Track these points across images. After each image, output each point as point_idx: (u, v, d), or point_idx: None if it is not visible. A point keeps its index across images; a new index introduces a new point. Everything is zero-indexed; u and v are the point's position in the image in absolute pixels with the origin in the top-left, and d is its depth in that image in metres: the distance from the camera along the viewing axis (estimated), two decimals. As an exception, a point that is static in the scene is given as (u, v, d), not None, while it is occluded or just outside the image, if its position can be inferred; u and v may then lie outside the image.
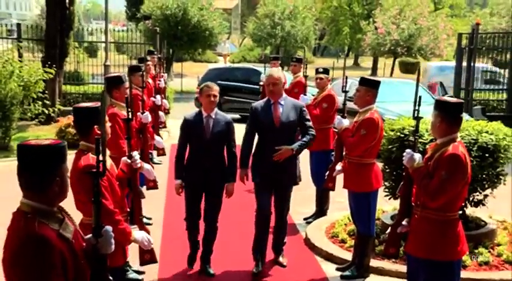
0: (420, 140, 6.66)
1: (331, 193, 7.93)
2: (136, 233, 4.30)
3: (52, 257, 2.50)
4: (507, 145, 6.75)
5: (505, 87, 17.59)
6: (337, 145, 6.53)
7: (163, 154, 8.27)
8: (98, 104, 4.33)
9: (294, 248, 7.29)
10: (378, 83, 6.30)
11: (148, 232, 4.43)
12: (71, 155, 11.49)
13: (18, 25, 18.06)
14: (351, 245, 6.94)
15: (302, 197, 8.88)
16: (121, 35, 24.09)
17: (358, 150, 6.10)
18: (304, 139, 6.25)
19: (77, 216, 3.54)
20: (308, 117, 6.37)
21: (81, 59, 20.54)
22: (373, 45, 28.08)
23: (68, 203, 2.98)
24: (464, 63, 16.34)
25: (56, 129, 13.24)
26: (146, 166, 5.01)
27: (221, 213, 6.33)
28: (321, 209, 8.37)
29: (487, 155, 6.58)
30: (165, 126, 10.37)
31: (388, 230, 4.74)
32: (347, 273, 6.43)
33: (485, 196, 7.06)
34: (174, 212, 8.12)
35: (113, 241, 2.81)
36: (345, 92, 6.57)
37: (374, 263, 6.51)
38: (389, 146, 6.90)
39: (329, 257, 6.94)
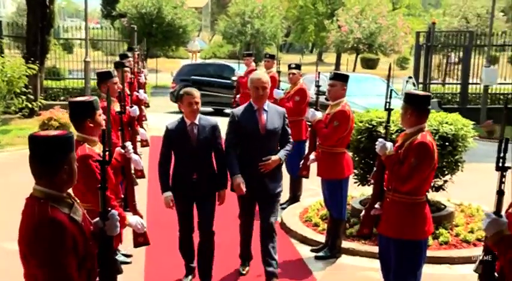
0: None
1: (304, 180, 8.06)
2: (131, 217, 4.39)
3: (65, 238, 2.56)
4: (464, 134, 6.92)
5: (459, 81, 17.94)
6: (311, 135, 6.65)
7: (147, 145, 8.28)
8: (91, 98, 4.37)
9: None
10: (348, 77, 6.46)
11: (141, 217, 4.51)
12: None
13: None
14: (324, 228, 7.08)
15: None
16: (96, 32, 23.84)
17: (331, 140, 6.22)
18: (287, 148, 5.67)
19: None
20: (288, 124, 5.79)
21: (60, 55, 20.33)
22: (337, 42, 28.35)
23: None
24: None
25: (38, 122, 13.17)
26: (135, 156, 5.06)
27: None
28: (295, 195, 8.49)
29: (447, 144, 6.73)
30: (146, 119, 10.38)
31: (362, 213, 4.86)
32: (321, 254, 6.56)
33: (445, 181, 7.24)
34: (156, 200, 8.15)
35: (118, 224, 2.88)
36: (318, 86, 6.69)
37: (345, 244, 6.65)
38: (358, 137, 7.01)
39: (303, 240, 7.05)
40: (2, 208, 7.79)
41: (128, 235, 4.83)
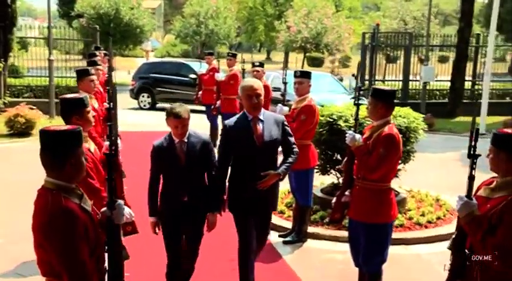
0: (347, 123, 7.01)
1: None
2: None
3: (77, 226, 2.57)
4: (416, 126, 7.15)
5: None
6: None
7: (120, 139, 8.18)
8: (80, 95, 4.34)
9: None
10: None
11: (129, 207, 4.48)
12: (19, 143, 11.16)
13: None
14: (289, 215, 7.19)
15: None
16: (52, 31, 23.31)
17: (299, 133, 6.29)
18: (290, 160, 4.87)
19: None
20: (290, 132, 5.01)
21: (19, 53, 19.80)
22: (286, 42, 28.62)
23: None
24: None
25: (5, 119, 12.87)
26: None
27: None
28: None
29: (400, 135, 6.94)
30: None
31: (334, 200, 4.96)
32: (288, 239, 6.66)
33: (398, 170, 7.46)
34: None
35: (124, 212, 2.89)
36: (285, 83, 6.79)
37: (310, 229, 6.77)
38: (320, 130, 7.13)
39: (271, 227, 7.11)
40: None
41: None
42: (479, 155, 3.10)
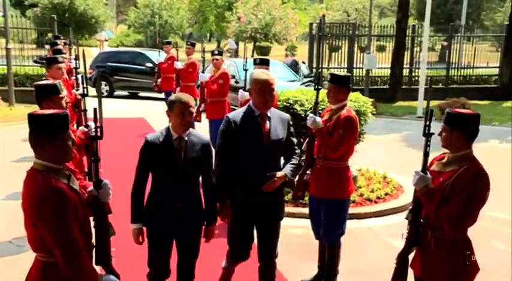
0: (302, 107, 7.13)
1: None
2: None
3: (68, 205, 2.57)
4: (365, 110, 7.33)
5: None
6: (240, 113, 6.78)
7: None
8: (53, 82, 4.31)
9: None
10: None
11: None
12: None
13: None
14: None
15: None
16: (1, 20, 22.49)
17: (259, 117, 6.39)
18: (294, 161, 4.29)
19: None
20: (293, 132, 4.38)
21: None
22: (236, 32, 28.60)
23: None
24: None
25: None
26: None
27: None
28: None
29: (355, 117, 7.12)
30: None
31: (296, 178, 5.05)
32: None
33: (353, 150, 7.63)
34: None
35: (110, 191, 2.90)
36: (246, 70, 6.82)
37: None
38: (277, 113, 7.24)
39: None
40: None
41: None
42: (433, 133, 3.25)
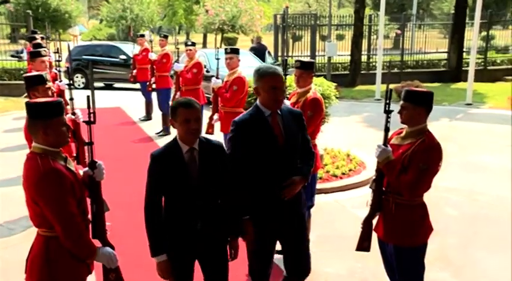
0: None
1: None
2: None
3: (66, 183, 2.64)
4: (329, 93, 7.49)
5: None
6: (214, 99, 6.85)
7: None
8: (39, 73, 4.33)
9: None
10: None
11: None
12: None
13: None
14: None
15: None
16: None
17: (232, 101, 6.48)
18: (311, 162, 3.70)
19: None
20: (306, 128, 3.75)
21: None
22: (205, 24, 28.38)
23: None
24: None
25: None
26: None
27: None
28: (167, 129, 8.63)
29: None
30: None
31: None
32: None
33: (316, 130, 7.78)
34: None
35: (104, 171, 2.96)
36: (218, 59, 6.90)
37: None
38: (249, 99, 7.33)
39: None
40: None
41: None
42: (393, 111, 3.41)
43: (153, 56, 10.37)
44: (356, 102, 14.92)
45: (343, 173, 7.51)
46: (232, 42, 39.13)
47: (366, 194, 3.63)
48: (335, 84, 7.76)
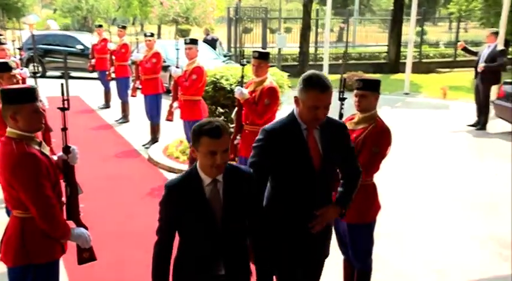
0: (227, 81, 7.26)
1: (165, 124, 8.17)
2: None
3: (41, 166, 2.60)
4: (282, 83, 7.58)
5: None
6: (174, 88, 6.80)
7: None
8: (5, 60, 4.20)
9: (141, 166, 7.53)
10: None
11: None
12: None
13: None
14: (184, 159, 7.36)
15: (138, 129, 9.12)
16: None
17: (191, 90, 6.46)
18: (353, 188, 2.92)
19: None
20: (350, 143, 2.94)
21: None
22: (160, 16, 27.90)
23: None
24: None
25: None
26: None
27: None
28: (155, 137, 8.59)
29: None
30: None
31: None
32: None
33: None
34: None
35: (78, 156, 2.92)
36: (177, 49, 6.84)
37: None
38: (206, 87, 7.32)
39: (170, 169, 7.26)
40: None
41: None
42: (346, 98, 3.51)
43: (111, 46, 10.15)
44: (304, 91, 15.12)
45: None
46: (185, 33, 38.72)
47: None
48: (287, 74, 7.85)
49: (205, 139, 2.25)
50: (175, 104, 6.76)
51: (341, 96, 3.48)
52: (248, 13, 19.78)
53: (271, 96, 4.78)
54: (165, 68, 9.80)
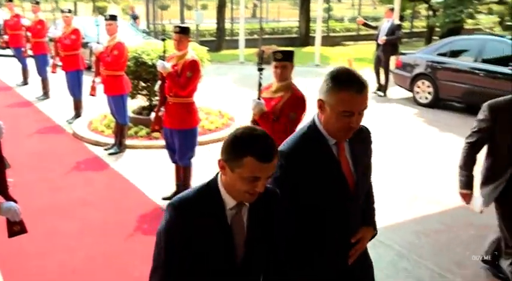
0: (149, 56, 7.09)
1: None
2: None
3: None
4: (202, 57, 7.45)
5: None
6: (97, 63, 6.53)
7: None
8: None
9: (66, 141, 7.22)
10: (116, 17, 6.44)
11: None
12: None
13: None
14: (109, 133, 7.14)
15: (60, 106, 8.68)
16: None
17: (113, 65, 6.21)
18: (374, 205, 2.31)
19: None
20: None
21: None
22: None
23: None
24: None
25: None
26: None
27: None
28: (78, 113, 8.21)
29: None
30: None
31: (152, 115, 5.11)
32: (112, 150, 6.66)
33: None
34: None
35: (4, 130, 2.75)
36: (97, 25, 6.54)
37: (128, 142, 6.86)
38: (128, 63, 7.07)
39: (96, 143, 7.03)
40: None
41: None
42: (264, 68, 3.58)
43: (26, 22, 9.44)
44: (222, 65, 15.04)
45: (217, 127, 7.68)
46: (102, 10, 36.80)
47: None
48: (207, 48, 7.78)
49: (251, 161, 1.56)
50: (98, 80, 6.50)
51: (260, 67, 3.56)
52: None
53: (193, 69, 4.74)
54: (85, 45, 9.30)
